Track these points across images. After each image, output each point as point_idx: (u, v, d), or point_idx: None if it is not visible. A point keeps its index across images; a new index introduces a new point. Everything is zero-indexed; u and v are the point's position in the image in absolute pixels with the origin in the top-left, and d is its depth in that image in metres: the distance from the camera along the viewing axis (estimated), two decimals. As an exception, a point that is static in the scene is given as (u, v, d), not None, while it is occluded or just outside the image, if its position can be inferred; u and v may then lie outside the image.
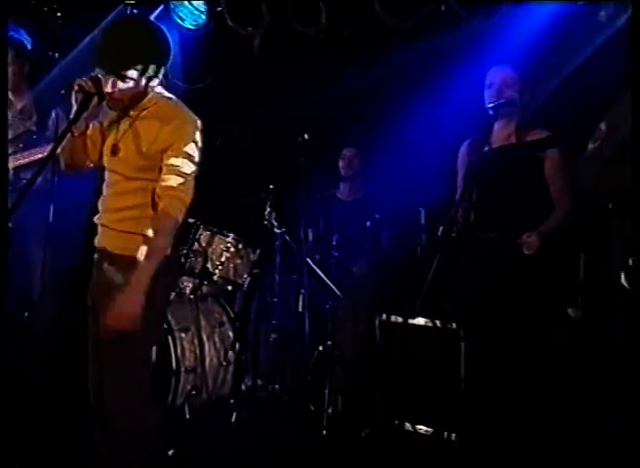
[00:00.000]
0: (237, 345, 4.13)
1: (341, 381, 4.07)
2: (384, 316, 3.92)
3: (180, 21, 4.51)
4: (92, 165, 2.72)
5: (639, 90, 2.03)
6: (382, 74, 4.21)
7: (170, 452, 3.29)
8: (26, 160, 3.92)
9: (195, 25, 4.53)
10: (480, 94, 3.49)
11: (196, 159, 2.60)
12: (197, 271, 4.00)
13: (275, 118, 4.40)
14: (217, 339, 4.07)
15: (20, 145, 3.95)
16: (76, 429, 3.12)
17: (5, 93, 2.41)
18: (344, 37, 4.33)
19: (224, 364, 4.04)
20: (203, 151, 2.65)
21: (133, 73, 2.50)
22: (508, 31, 3.77)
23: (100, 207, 2.67)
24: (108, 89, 2.49)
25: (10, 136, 3.98)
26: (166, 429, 3.23)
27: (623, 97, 2.98)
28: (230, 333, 4.12)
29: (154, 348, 2.87)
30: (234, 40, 4.48)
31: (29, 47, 4.17)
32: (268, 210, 4.07)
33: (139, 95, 2.56)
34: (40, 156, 3.90)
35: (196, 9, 4.46)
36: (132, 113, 2.61)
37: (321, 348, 4.12)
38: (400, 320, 3.88)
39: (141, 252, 2.52)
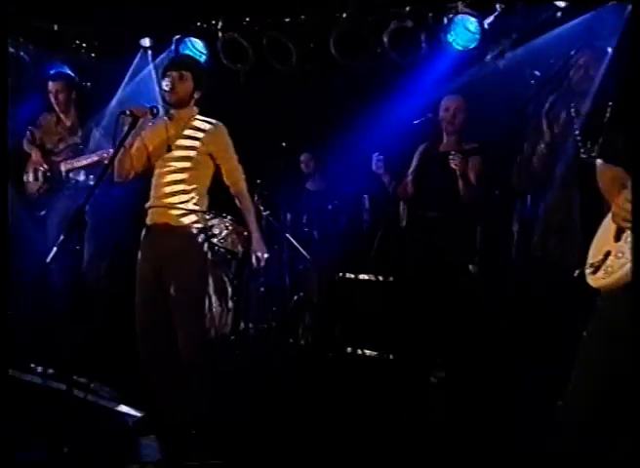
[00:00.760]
0: (234, 297, 4.27)
1: (311, 321, 4.35)
2: (341, 273, 4.25)
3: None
4: (135, 174, 2.90)
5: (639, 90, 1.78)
6: (336, 98, 4.33)
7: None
8: (76, 165, 4.14)
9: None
10: (412, 114, 3.67)
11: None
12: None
13: (259, 131, 4.46)
14: (219, 291, 4.23)
15: (70, 154, 4.19)
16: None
17: (5, 93, 2.33)
18: (307, 71, 4.40)
19: (226, 311, 4.28)
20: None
21: (188, 75, 2.79)
22: (431, 69, 3.96)
23: (153, 194, 2.85)
24: (170, 86, 2.74)
25: (61, 146, 4.21)
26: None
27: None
28: (229, 289, 4.27)
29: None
30: (226, 73, 4.49)
31: (76, 79, 4.33)
32: (256, 198, 4.15)
33: (187, 98, 2.82)
34: (85, 162, 4.11)
35: (198, 50, 4.45)
36: (179, 118, 2.82)
37: (296, 297, 4.40)
38: (352, 276, 4.19)
39: (247, 213, 2.92)
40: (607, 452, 1.93)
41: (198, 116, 2.91)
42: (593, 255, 1.90)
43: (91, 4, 4.25)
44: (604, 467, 2.00)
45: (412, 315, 3.82)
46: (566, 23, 3.63)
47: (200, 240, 2.88)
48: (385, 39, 3.94)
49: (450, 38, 3.80)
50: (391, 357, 3.97)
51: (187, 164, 2.80)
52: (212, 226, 4.21)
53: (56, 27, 4.70)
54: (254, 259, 2.94)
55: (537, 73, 3.35)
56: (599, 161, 1.94)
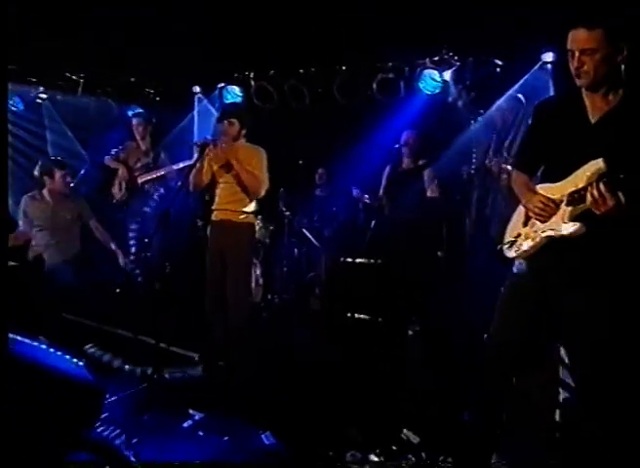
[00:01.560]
0: (263, 276, 4.58)
1: (320, 293, 4.61)
2: (343, 258, 4.39)
3: (226, 101, 4.83)
4: (205, 185, 3.20)
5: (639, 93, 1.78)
6: (337, 129, 4.61)
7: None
8: (148, 178, 4.45)
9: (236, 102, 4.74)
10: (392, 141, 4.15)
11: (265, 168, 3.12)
12: None
13: (282, 152, 4.49)
14: (252, 272, 4.11)
15: (144, 170, 4.50)
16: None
17: (5, 94, 2.13)
18: (317, 109, 4.72)
19: (257, 285, 4.51)
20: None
21: (235, 121, 3.12)
22: (408, 107, 4.35)
23: (217, 200, 3.18)
24: (223, 130, 3.05)
25: (138, 165, 4.52)
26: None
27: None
28: (258, 269, 4.53)
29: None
30: (257, 111, 4.78)
31: (149, 116, 4.65)
32: (280, 202, 4.53)
33: (237, 137, 3.12)
34: (154, 175, 4.39)
35: (236, 94, 4.84)
36: (233, 149, 3.05)
37: (309, 276, 4.66)
38: (351, 259, 4.36)
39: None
40: (515, 382, 2.08)
41: (245, 143, 3.19)
42: (509, 235, 2.12)
43: (158, 62, 4.63)
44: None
45: (395, 287, 4.10)
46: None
47: (250, 233, 3.19)
48: (374, 86, 4.34)
49: (421, 85, 4.22)
50: (380, 319, 4.14)
51: (255, 180, 3.08)
52: None
53: (132, 79, 5.17)
54: None
55: (481, 111, 3.80)
56: (515, 170, 2.20)
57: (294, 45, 4.22)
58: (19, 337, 1.67)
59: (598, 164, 1.84)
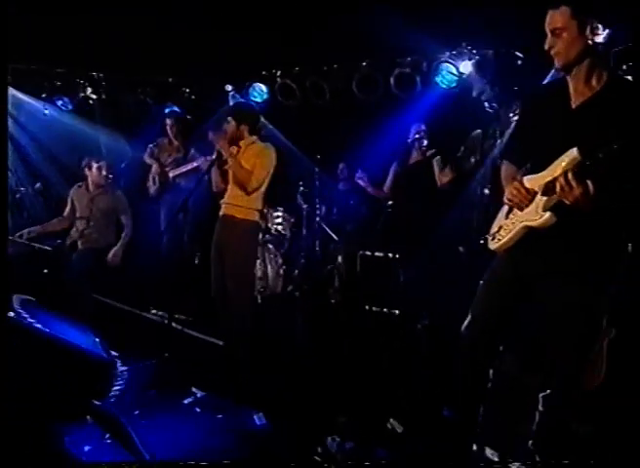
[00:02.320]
0: (284, 267, 4.62)
1: (338, 285, 4.54)
2: (361, 251, 4.41)
3: (253, 99, 5.03)
4: (224, 187, 3.25)
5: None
6: (357, 123, 4.60)
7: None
8: (178, 172, 4.66)
9: (262, 100, 5.06)
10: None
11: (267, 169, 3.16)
12: (264, 228, 4.42)
13: (303, 146, 4.82)
14: (273, 263, 4.59)
15: (175, 165, 4.72)
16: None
17: (5, 93, 2.11)
18: (337, 105, 4.80)
19: (278, 276, 4.58)
20: (276, 168, 3.23)
21: (231, 120, 3.13)
22: (420, 103, 4.36)
23: (226, 195, 3.25)
24: (224, 128, 3.13)
25: (170, 160, 4.73)
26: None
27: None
28: (280, 260, 4.62)
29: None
30: (282, 107, 4.96)
31: (182, 114, 4.88)
32: (299, 196, 4.64)
33: (236, 135, 3.16)
34: (184, 170, 4.59)
35: (262, 91, 4.98)
36: (240, 149, 3.14)
37: (328, 268, 4.65)
38: (369, 253, 4.38)
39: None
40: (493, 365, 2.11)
41: (257, 142, 3.21)
42: (493, 228, 2.14)
43: (191, 63, 4.82)
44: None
45: (409, 282, 4.13)
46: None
47: (250, 229, 3.20)
48: (392, 81, 4.36)
49: (438, 79, 4.19)
50: (396, 312, 4.16)
51: (248, 175, 3.13)
52: (272, 216, 4.62)
53: (170, 80, 5.43)
54: None
55: (494, 105, 3.72)
56: (504, 161, 2.20)
57: (315, 42, 4.29)
58: (43, 313, 2.02)
59: (573, 153, 1.81)
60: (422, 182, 4.00)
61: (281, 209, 4.67)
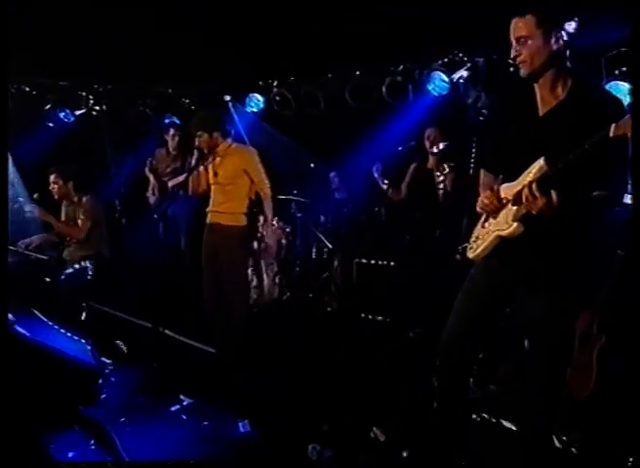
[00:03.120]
0: (280, 275, 4.66)
1: (334, 292, 4.53)
2: (357, 259, 4.36)
3: (250, 108, 5.14)
4: (203, 191, 3.30)
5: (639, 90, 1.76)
6: (351, 130, 4.59)
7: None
8: (175, 182, 4.56)
9: (259, 109, 5.14)
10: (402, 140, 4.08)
11: (263, 169, 3.21)
12: (259, 236, 4.54)
13: (297, 155, 4.83)
14: (269, 271, 4.64)
15: (172, 175, 4.76)
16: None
17: (5, 92, 2.04)
18: (331, 113, 4.84)
19: (274, 284, 4.61)
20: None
21: (202, 133, 3.16)
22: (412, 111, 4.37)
23: (210, 202, 3.27)
24: (198, 146, 3.13)
25: (168, 170, 4.80)
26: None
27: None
28: (275, 268, 4.66)
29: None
30: (277, 116, 5.06)
31: (181, 125, 4.90)
32: (293, 204, 4.62)
33: (214, 145, 3.20)
34: (181, 179, 4.10)
35: (258, 100, 5.04)
36: (216, 155, 3.18)
37: (323, 276, 4.64)
38: (365, 260, 4.33)
39: (268, 212, 3.20)
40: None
41: (234, 145, 3.22)
42: (472, 237, 2.15)
43: (191, 74, 4.94)
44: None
45: (404, 290, 4.06)
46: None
47: (240, 235, 3.20)
48: (384, 89, 4.38)
49: (429, 87, 4.21)
50: (388, 320, 4.10)
51: (230, 180, 3.18)
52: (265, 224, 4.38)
53: (170, 91, 5.54)
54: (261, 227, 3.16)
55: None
56: (481, 170, 2.19)
57: (308, 52, 4.36)
58: (34, 319, 2.11)
59: (540, 163, 1.82)
60: (433, 189, 3.95)
61: (276, 218, 4.50)
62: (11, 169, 4.46)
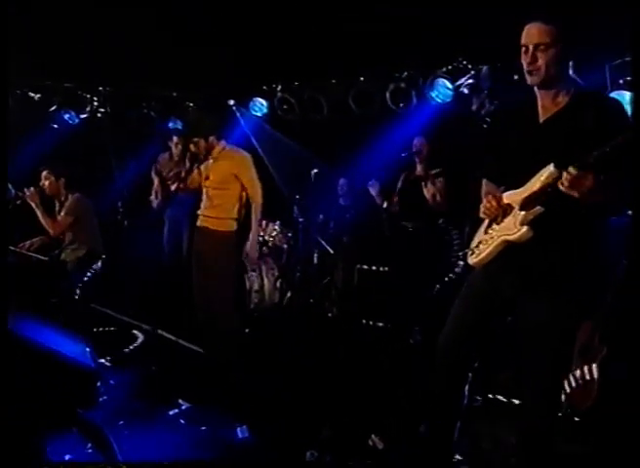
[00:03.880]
0: (280, 279, 4.69)
1: (335, 298, 4.58)
2: (358, 265, 4.43)
3: (254, 112, 5.16)
4: (194, 188, 3.34)
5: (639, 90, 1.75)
6: (354, 136, 4.61)
7: (246, 330, 3.89)
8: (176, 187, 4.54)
9: (262, 114, 5.18)
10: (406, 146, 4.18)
11: (256, 175, 3.18)
12: (261, 241, 4.48)
13: (299, 160, 4.88)
14: (270, 276, 4.67)
15: (175, 178, 4.36)
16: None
17: (5, 94, 1.92)
18: (334, 119, 4.87)
19: (275, 288, 4.64)
20: (263, 181, 3.22)
21: (201, 140, 3.18)
22: (415, 118, 4.40)
23: (202, 206, 3.29)
24: (200, 146, 3.15)
25: (170, 174, 4.54)
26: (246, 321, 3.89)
27: None
28: (276, 272, 4.69)
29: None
30: (282, 121, 5.10)
31: (184, 130, 4.78)
32: (295, 209, 4.61)
33: (210, 148, 3.22)
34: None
35: (261, 104, 5.06)
36: (210, 157, 3.20)
37: (324, 281, 4.67)
38: (366, 267, 4.41)
39: (254, 223, 3.12)
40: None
41: (228, 147, 3.20)
42: (472, 243, 2.14)
43: (195, 78, 4.96)
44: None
45: (403, 296, 4.10)
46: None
47: (227, 240, 3.17)
48: (388, 95, 4.41)
49: (433, 94, 4.23)
50: (389, 327, 4.14)
51: (220, 185, 3.17)
52: (269, 229, 4.67)
53: (174, 94, 5.56)
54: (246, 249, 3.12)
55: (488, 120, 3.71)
56: (484, 179, 2.20)
57: (313, 57, 4.39)
58: (33, 320, 2.05)
59: (549, 169, 1.84)
60: (422, 197, 4.02)
61: (278, 222, 4.73)
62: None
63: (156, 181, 4.66)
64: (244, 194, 3.28)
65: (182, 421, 2.83)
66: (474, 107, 4.17)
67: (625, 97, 3.32)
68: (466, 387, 2.15)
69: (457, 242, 4.02)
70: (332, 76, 4.73)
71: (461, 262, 3.99)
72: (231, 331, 3.26)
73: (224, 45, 4.46)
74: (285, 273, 4.72)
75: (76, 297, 3.83)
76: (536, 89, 1.94)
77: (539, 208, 1.87)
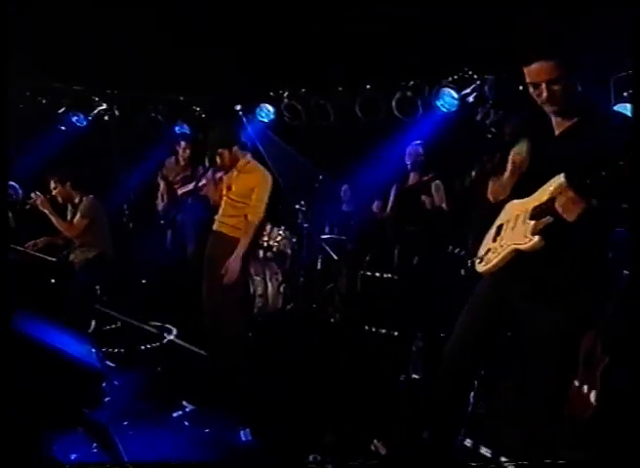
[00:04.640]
0: (284, 284, 4.70)
1: (339, 304, 4.56)
2: (361, 271, 4.39)
3: (260, 118, 5.25)
4: (217, 201, 3.29)
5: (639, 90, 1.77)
6: (360, 143, 4.71)
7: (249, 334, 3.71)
8: (185, 190, 4.77)
9: (268, 120, 5.26)
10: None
11: (267, 196, 3.15)
12: (265, 246, 4.63)
13: (305, 166, 4.98)
14: (274, 281, 4.66)
15: (182, 183, 4.84)
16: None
17: (5, 94, 1.78)
18: (341, 126, 4.92)
19: (278, 294, 4.64)
20: (274, 188, 3.20)
21: (225, 151, 3.14)
22: (420, 127, 4.46)
23: (220, 212, 3.28)
24: (225, 157, 3.14)
25: (177, 178, 4.85)
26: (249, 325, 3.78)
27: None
28: (280, 277, 4.69)
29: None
30: (288, 126, 5.16)
31: (192, 135, 4.98)
32: (300, 215, 4.68)
33: (235, 159, 3.22)
34: (190, 187, 4.55)
35: (268, 110, 5.15)
36: (235, 169, 3.20)
37: (328, 287, 4.70)
38: (369, 273, 4.36)
39: (243, 237, 3.06)
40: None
41: (252, 162, 3.22)
42: (480, 251, 2.15)
43: (203, 82, 5.04)
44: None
45: (406, 302, 4.10)
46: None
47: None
48: (393, 104, 4.47)
49: (439, 103, 4.29)
50: (395, 333, 4.14)
51: (240, 197, 3.18)
52: (274, 234, 4.66)
53: (181, 98, 5.62)
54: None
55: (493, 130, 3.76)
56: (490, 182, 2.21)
57: (320, 63, 4.44)
58: (39, 320, 2.07)
59: (559, 180, 1.87)
60: (420, 204, 4.03)
61: (282, 227, 4.75)
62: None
63: (162, 185, 4.90)
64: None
65: (186, 423, 2.84)
66: (479, 117, 4.22)
67: (628, 108, 3.37)
68: (471, 394, 2.19)
69: (459, 249, 4.04)
70: (338, 83, 4.77)
71: (463, 270, 3.88)
72: (237, 335, 3.28)
73: (232, 50, 4.53)
74: (289, 278, 4.73)
75: (82, 298, 3.85)
76: None
77: (548, 218, 1.89)
